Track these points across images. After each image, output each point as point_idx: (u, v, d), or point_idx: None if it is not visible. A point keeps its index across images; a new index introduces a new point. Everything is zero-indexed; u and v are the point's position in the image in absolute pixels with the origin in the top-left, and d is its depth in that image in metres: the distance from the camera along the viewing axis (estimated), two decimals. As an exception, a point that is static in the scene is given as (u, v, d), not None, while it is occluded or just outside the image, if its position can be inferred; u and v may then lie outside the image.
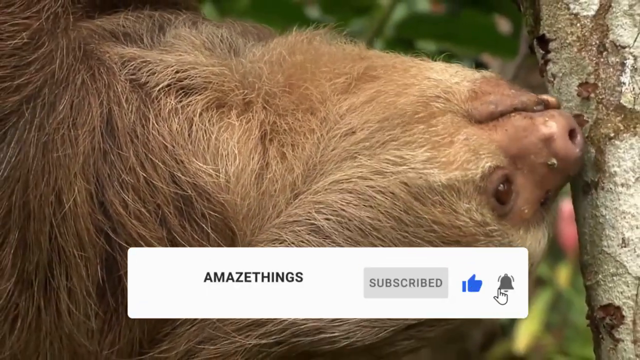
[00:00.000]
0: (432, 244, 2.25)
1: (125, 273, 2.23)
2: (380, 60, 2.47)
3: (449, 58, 4.11)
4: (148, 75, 2.36)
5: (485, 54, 5.16)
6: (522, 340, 9.89)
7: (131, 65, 2.37)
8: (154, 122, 2.32)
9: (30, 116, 2.23)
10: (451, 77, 2.39)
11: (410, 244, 2.24)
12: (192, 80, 2.37)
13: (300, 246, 2.24)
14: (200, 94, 2.36)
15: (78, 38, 2.34)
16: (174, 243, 2.26)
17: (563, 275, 9.91)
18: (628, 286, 2.38)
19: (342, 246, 2.23)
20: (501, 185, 2.27)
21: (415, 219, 2.24)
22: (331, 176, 2.28)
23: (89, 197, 2.25)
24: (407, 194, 2.25)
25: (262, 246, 2.26)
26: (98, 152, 2.26)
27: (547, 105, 2.32)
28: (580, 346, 10.32)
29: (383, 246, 2.23)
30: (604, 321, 2.42)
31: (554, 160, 2.28)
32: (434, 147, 2.27)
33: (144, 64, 2.38)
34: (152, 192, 2.28)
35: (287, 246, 2.24)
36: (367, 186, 2.25)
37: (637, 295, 2.36)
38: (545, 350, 10.44)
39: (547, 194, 2.34)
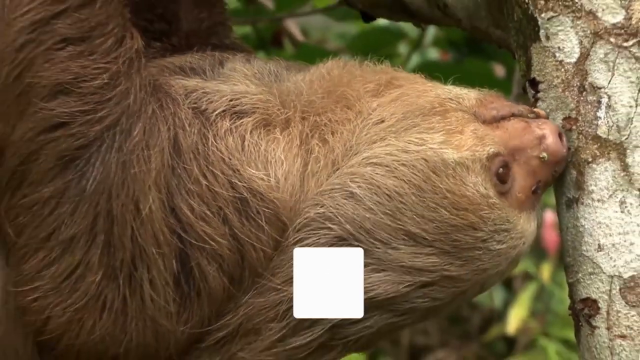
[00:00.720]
0: (445, 209, 2.27)
1: (197, 264, 2.26)
2: (404, 75, 2.53)
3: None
4: (207, 104, 2.41)
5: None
6: (512, 324, 10.13)
7: (193, 96, 2.42)
8: (213, 140, 2.34)
9: (111, 141, 2.24)
10: (462, 90, 2.46)
11: (428, 209, 2.27)
12: (243, 106, 2.42)
13: (333, 212, 2.27)
14: (249, 117, 2.40)
15: (148, 76, 2.36)
16: (235, 238, 2.27)
17: (546, 271, 10.17)
18: (603, 283, 2.35)
19: (371, 209, 2.26)
20: (501, 169, 2.30)
21: (433, 188, 2.27)
22: (364, 154, 2.32)
23: (161, 205, 2.26)
24: (426, 167, 2.28)
25: (306, 211, 2.30)
26: (167, 167, 2.28)
27: (537, 116, 2.37)
28: (559, 329, 10.66)
29: (404, 209, 2.26)
30: (583, 312, 2.40)
31: (545, 155, 2.31)
32: (448, 134, 2.32)
33: (204, 94, 2.42)
34: (214, 197, 2.29)
35: (326, 209, 2.28)
36: (393, 160, 2.29)
37: (610, 290, 2.34)
38: (531, 332, 10.54)
39: (538, 183, 2.35)
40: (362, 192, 2.28)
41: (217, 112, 2.38)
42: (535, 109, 2.39)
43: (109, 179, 2.23)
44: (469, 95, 2.45)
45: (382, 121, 2.36)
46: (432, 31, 4.92)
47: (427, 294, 2.31)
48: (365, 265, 2.26)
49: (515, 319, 10.22)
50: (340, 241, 2.27)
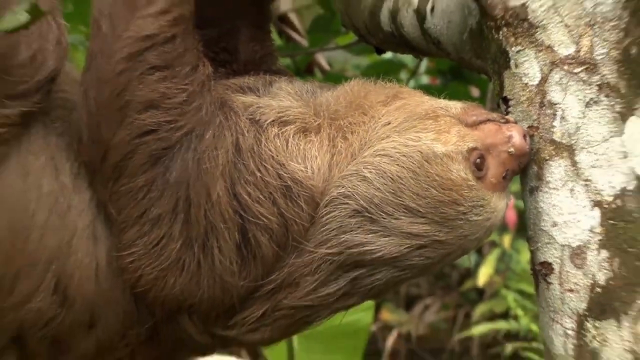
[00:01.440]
0: (435, 189, 2.32)
1: (253, 236, 2.32)
2: (407, 90, 2.58)
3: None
4: (260, 115, 2.45)
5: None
6: (481, 278, 10.88)
7: (250, 109, 2.47)
8: (265, 142, 2.39)
9: (188, 144, 2.28)
10: (450, 102, 2.50)
11: (422, 188, 2.32)
12: (287, 117, 2.46)
13: (351, 191, 2.34)
14: (292, 125, 2.44)
15: (216, 94, 2.40)
16: (281, 215, 2.32)
17: (506, 240, 10.82)
18: (556, 250, 2.34)
19: (379, 191, 2.32)
20: (478, 160, 2.34)
21: (425, 173, 2.32)
22: (374, 147, 2.38)
23: (226, 191, 2.30)
24: (420, 157, 2.33)
25: (331, 192, 2.36)
26: (230, 163, 2.32)
27: (507, 121, 2.38)
28: (515, 283, 11.18)
29: (403, 188, 2.32)
30: (541, 272, 2.39)
31: (513, 149, 2.34)
32: (438, 133, 2.37)
33: (258, 108, 2.47)
34: (266, 185, 2.33)
35: (344, 192, 2.34)
36: (396, 152, 2.34)
37: (562, 256, 2.33)
38: (495, 285, 11.05)
39: (507, 171, 2.39)
40: (372, 176, 2.32)
41: (268, 122, 2.42)
42: (506, 116, 2.41)
43: (187, 172, 2.26)
44: (455, 105, 2.48)
45: (389, 123, 2.40)
46: (424, 62, 4.96)
47: (422, 254, 2.36)
48: (375, 232, 2.31)
49: (483, 275, 10.76)
50: (357, 213, 2.32)
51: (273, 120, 2.43)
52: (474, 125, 2.41)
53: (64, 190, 2.32)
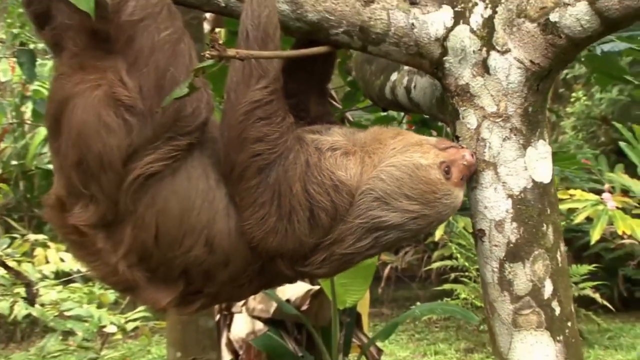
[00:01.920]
0: (422, 184, 2.34)
1: (317, 213, 2.35)
2: (405, 131, 2.58)
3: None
4: (321, 145, 2.42)
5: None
6: (437, 236, 11.13)
7: (315, 142, 2.43)
8: (323, 160, 2.37)
9: (279, 161, 2.29)
10: (429, 137, 2.49)
11: (414, 184, 2.33)
12: (336, 146, 2.43)
13: (373, 187, 2.35)
14: (339, 150, 2.41)
15: (296, 133, 2.39)
16: (333, 202, 2.33)
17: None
18: (487, 222, 2.40)
19: (390, 186, 2.34)
20: (446, 168, 2.33)
21: (416, 175, 2.34)
22: (386, 162, 2.37)
23: (301, 188, 2.31)
24: (413, 166, 2.33)
25: (361, 187, 2.37)
26: (303, 172, 2.33)
27: (462, 147, 2.38)
28: (457, 239, 11.85)
29: (403, 184, 2.34)
30: (478, 235, 2.45)
31: (466, 162, 2.34)
32: (422, 153, 2.36)
33: (320, 141, 2.44)
34: (323, 184, 2.34)
35: (369, 187, 2.35)
36: (399, 164, 2.34)
37: (490, 226, 2.39)
38: (444, 240, 11.90)
39: (463, 176, 2.37)
40: (385, 177, 2.33)
41: (325, 148, 2.41)
42: (461, 144, 2.41)
43: (279, 177, 2.29)
44: (432, 138, 2.47)
45: (394, 148, 2.38)
46: (405, 116, 4.87)
47: (415, 223, 2.36)
48: (388, 209, 2.33)
49: (438, 234, 10.96)
50: (376, 199, 2.33)
51: (328, 148, 2.42)
52: (444, 149, 2.38)
53: (211, 188, 2.36)
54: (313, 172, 2.36)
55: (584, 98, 15.09)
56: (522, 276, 2.37)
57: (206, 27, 5.20)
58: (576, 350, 2.43)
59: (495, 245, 2.39)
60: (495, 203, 2.39)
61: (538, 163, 2.39)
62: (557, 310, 2.38)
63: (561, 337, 2.38)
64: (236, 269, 2.42)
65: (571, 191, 9.24)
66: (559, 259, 2.42)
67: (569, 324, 2.41)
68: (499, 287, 2.41)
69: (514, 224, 2.37)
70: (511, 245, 2.37)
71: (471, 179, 2.44)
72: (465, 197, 2.47)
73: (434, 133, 4.66)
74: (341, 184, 2.36)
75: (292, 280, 2.62)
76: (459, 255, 11.52)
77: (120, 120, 2.27)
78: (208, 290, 2.49)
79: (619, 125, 12.02)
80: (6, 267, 3.48)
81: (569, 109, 15.53)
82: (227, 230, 2.37)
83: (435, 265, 12.63)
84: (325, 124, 2.63)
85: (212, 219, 2.36)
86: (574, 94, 15.41)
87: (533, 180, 2.38)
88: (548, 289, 2.37)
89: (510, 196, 2.37)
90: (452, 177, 2.36)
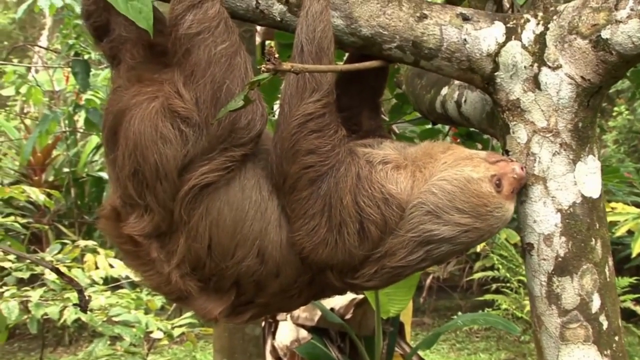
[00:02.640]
0: (473, 197, 2.31)
1: (367, 226, 2.32)
2: (454, 145, 2.53)
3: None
4: (372, 158, 2.41)
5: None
6: (479, 246, 10.61)
7: (367, 155, 2.42)
8: (374, 173, 2.36)
9: (331, 173, 2.30)
10: (480, 151, 2.48)
11: (465, 197, 2.31)
12: (387, 159, 2.41)
13: (425, 200, 2.33)
14: (390, 164, 2.40)
15: (347, 146, 2.39)
16: (382, 214, 2.32)
17: None
18: (535, 236, 2.38)
19: (441, 200, 2.32)
20: (497, 181, 2.30)
21: (467, 188, 2.31)
22: (437, 176, 2.34)
23: (352, 200, 2.30)
24: (464, 180, 2.31)
25: (412, 201, 2.35)
26: (354, 184, 2.31)
27: (512, 161, 2.35)
28: (498, 250, 11.71)
29: (455, 198, 2.32)
30: (527, 248, 2.42)
31: (516, 176, 2.32)
32: (473, 167, 2.33)
33: (371, 154, 2.43)
34: (374, 197, 2.32)
35: (421, 200, 2.34)
36: (450, 177, 2.32)
37: (538, 240, 2.37)
38: (486, 250, 11.60)
39: (514, 189, 2.34)
40: (437, 191, 2.31)
41: (376, 162, 2.40)
42: (512, 157, 2.39)
43: (330, 189, 2.29)
44: (483, 153, 2.43)
45: (445, 162, 2.36)
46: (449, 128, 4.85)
47: (467, 236, 2.34)
48: (439, 223, 2.31)
49: (480, 245, 10.18)
50: (428, 213, 2.31)
51: (379, 161, 2.40)
52: (494, 162, 2.35)
53: (264, 199, 2.36)
54: (364, 185, 2.35)
55: (627, 112, 14.93)
56: (570, 290, 2.35)
57: (257, 39, 5.23)
58: (623, 364, 2.41)
59: (544, 259, 2.38)
60: (544, 217, 2.37)
61: (587, 178, 2.37)
62: (605, 325, 2.36)
63: (608, 352, 2.36)
64: (287, 280, 2.43)
65: (613, 204, 9.13)
66: (607, 273, 2.40)
67: (617, 338, 2.39)
68: (546, 301, 2.39)
69: (563, 238, 2.35)
70: (560, 259, 2.35)
71: (520, 192, 2.42)
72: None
73: (480, 146, 4.64)
74: (391, 197, 2.35)
75: (341, 292, 2.61)
76: (500, 266, 11.47)
77: (177, 132, 2.29)
78: (259, 301, 2.50)
79: (660, 139, 11.90)
80: (59, 273, 3.51)
81: (611, 123, 15.36)
82: (279, 242, 2.37)
83: (476, 275, 12.60)
84: (377, 138, 2.61)
85: (264, 230, 2.36)
86: (616, 108, 15.24)
87: (582, 195, 2.36)
88: (596, 303, 2.35)
89: (559, 210, 2.35)
90: (503, 190, 2.34)
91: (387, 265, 2.38)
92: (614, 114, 15.34)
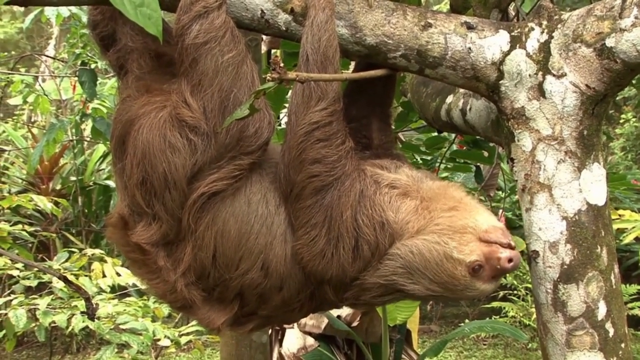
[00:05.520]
0: (445, 275, 2.30)
1: (361, 245, 2.32)
2: (464, 204, 2.41)
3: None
4: (381, 180, 2.41)
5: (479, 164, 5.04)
6: None
7: (375, 175, 2.42)
8: (378, 195, 2.36)
9: (335, 185, 2.30)
10: (484, 218, 2.36)
11: (439, 271, 2.30)
12: (395, 185, 2.41)
13: (403, 255, 2.33)
14: (397, 189, 2.40)
15: (356, 161, 2.39)
16: (376, 237, 2.32)
17: None
18: (541, 244, 2.38)
19: (417, 263, 2.32)
20: (476, 266, 2.27)
21: (443, 264, 2.29)
22: (424, 235, 2.33)
23: (351, 216, 2.31)
24: (443, 254, 2.28)
25: (394, 250, 2.35)
26: (356, 201, 2.32)
27: (509, 246, 2.28)
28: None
29: (430, 267, 2.31)
30: (532, 256, 2.42)
31: (499, 267, 2.27)
32: (459, 244, 2.28)
33: (379, 176, 2.43)
34: (372, 218, 2.32)
35: (399, 253, 2.33)
36: (432, 245, 2.30)
37: (544, 247, 2.38)
38: None
39: (496, 275, 2.31)
40: (416, 252, 2.30)
41: (384, 184, 2.40)
42: (510, 242, 2.31)
43: (332, 201, 2.30)
44: (484, 223, 2.35)
45: (438, 225, 2.32)
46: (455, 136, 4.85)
47: (436, 298, 2.55)
48: (411, 281, 2.33)
49: None
50: (402, 267, 2.32)
51: (387, 184, 2.40)
52: (488, 243, 2.30)
53: (270, 214, 2.37)
54: (366, 204, 2.35)
55: (634, 119, 14.92)
56: (576, 297, 2.35)
57: (263, 48, 5.24)
58: (630, 371, 2.41)
59: (549, 267, 2.38)
60: (549, 225, 2.37)
61: (593, 185, 2.37)
62: (611, 332, 2.36)
63: (615, 359, 2.36)
64: (290, 293, 2.43)
65: (620, 211, 9.11)
66: (613, 280, 2.40)
67: (623, 345, 2.39)
68: (552, 308, 2.39)
69: (568, 246, 2.35)
70: (565, 266, 2.35)
71: (525, 200, 2.42)
72: (518, 217, 2.45)
73: (486, 154, 4.65)
74: (387, 224, 2.34)
75: (338, 306, 2.62)
76: (507, 274, 11.47)
77: (185, 140, 2.31)
78: (262, 313, 2.51)
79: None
80: (67, 281, 3.53)
81: (618, 130, 15.37)
82: (284, 256, 2.37)
83: (485, 283, 12.58)
84: (396, 161, 2.60)
85: (269, 244, 2.37)
86: (623, 115, 15.25)
87: (587, 203, 2.36)
88: (602, 310, 2.35)
89: (564, 218, 2.36)
90: (482, 275, 2.31)
91: (362, 298, 2.43)
92: (621, 121, 15.35)
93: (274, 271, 2.37)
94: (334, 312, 6.77)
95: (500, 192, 9.07)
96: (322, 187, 2.31)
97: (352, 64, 2.85)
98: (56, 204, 7.88)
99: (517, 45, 2.39)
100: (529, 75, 2.37)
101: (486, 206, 2.50)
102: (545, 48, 2.36)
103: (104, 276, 6.66)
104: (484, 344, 12.76)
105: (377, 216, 2.33)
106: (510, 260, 2.26)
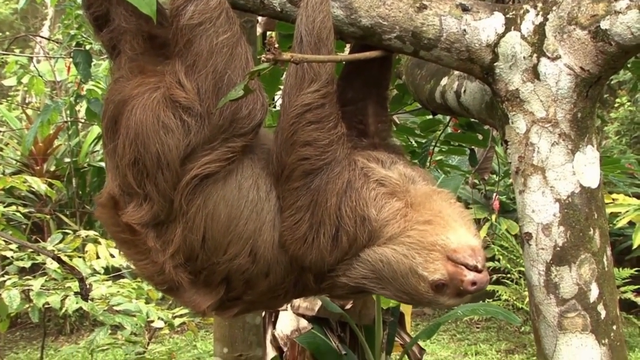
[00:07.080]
0: (411, 288, 2.32)
1: (340, 234, 2.32)
2: (446, 214, 2.39)
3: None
4: (371, 174, 2.41)
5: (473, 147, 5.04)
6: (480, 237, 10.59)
7: (365, 168, 2.42)
8: (365, 189, 2.36)
9: (324, 170, 2.31)
10: (457, 237, 2.33)
11: (404, 283, 2.31)
12: (384, 182, 2.40)
13: (373, 261, 2.34)
14: (384, 188, 2.39)
15: (348, 149, 2.39)
16: (356, 230, 2.32)
17: (494, 216, 10.50)
18: (534, 226, 2.38)
19: (384, 272, 2.33)
20: (440, 284, 2.27)
21: (408, 278, 2.30)
22: (395, 245, 2.34)
23: (336, 204, 2.31)
24: (409, 269, 2.28)
25: (367, 253, 2.35)
26: (342, 191, 2.32)
27: (476, 270, 2.26)
28: (499, 241, 11.65)
29: (396, 277, 2.32)
30: (525, 238, 2.43)
31: (462, 288, 2.27)
32: (425, 261, 2.27)
33: (370, 169, 2.42)
34: (355, 210, 2.32)
35: (369, 259, 2.34)
36: (400, 257, 2.31)
37: (537, 229, 2.38)
38: (487, 241, 11.31)
39: (460, 292, 2.29)
40: (385, 261, 2.31)
41: (373, 179, 2.40)
42: (478, 264, 2.28)
43: (320, 186, 2.30)
44: (455, 242, 2.32)
45: (409, 237, 2.31)
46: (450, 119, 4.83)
47: (401, 300, 2.50)
48: (379, 285, 2.36)
49: (481, 234, 10.52)
50: (372, 272, 2.33)
51: (375, 179, 2.40)
52: (455, 263, 2.29)
53: (260, 199, 2.37)
54: (351, 195, 2.35)
55: (628, 104, 14.93)
56: (568, 279, 2.36)
57: (258, 30, 5.22)
58: (621, 353, 2.41)
59: (542, 249, 2.38)
60: (542, 207, 2.37)
61: (586, 168, 2.37)
62: (603, 314, 2.37)
63: (606, 341, 2.37)
64: (275, 280, 2.44)
65: (614, 195, 9.16)
66: (605, 263, 2.41)
67: (614, 327, 2.40)
68: (545, 290, 2.39)
69: (561, 228, 2.35)
70: (558, 248, 2.36)
71: (519, 182, 2.43)
72: (512, 200, 2.46)
73: (480, 137, 4.64)
74: (367, 220, 2.34)
75: (317, 294, 2.69)
76: (501, 257, 11.50)
77: (179, 121, 2.30)
78: (247, 298, 2.51)
79: (663, 131, 11.92)
80: (61, 262, 3.53)
81: (612, 114, 15.38)
82: (272, 242, 2.38)
83: (477, 266, 12.68)
84: (392, 156, 2.59)
85: (258, 230, 2.38)
86: (618, 100, 15.25)
87: (581, 185, 2.37)
88: (594, 292, 2.36)
89: (557, 200, 2.36)
90: (446, 292, 2.32)
91: (334, 292, 2.48)
92: (616, 105, 15.35)
93: (262, 257, 2.38)
94: (328, 295, 6.78)
95: (494, 175, 9.10)
96: (312, 170, 2.31)
97: (348, 47, 2.84)
98: (50, 185, 7.86)
99: (512, 27, 2.39)
100: (524, 57, 2.36)
101: (468, 218, 2.47)
102: (540, 30, 2.35)
103: (98, 257, 6.67)
104: (477, 327, 12.84)
105: (359, 210, 2.33)
106: (473, 283, 2.26)
